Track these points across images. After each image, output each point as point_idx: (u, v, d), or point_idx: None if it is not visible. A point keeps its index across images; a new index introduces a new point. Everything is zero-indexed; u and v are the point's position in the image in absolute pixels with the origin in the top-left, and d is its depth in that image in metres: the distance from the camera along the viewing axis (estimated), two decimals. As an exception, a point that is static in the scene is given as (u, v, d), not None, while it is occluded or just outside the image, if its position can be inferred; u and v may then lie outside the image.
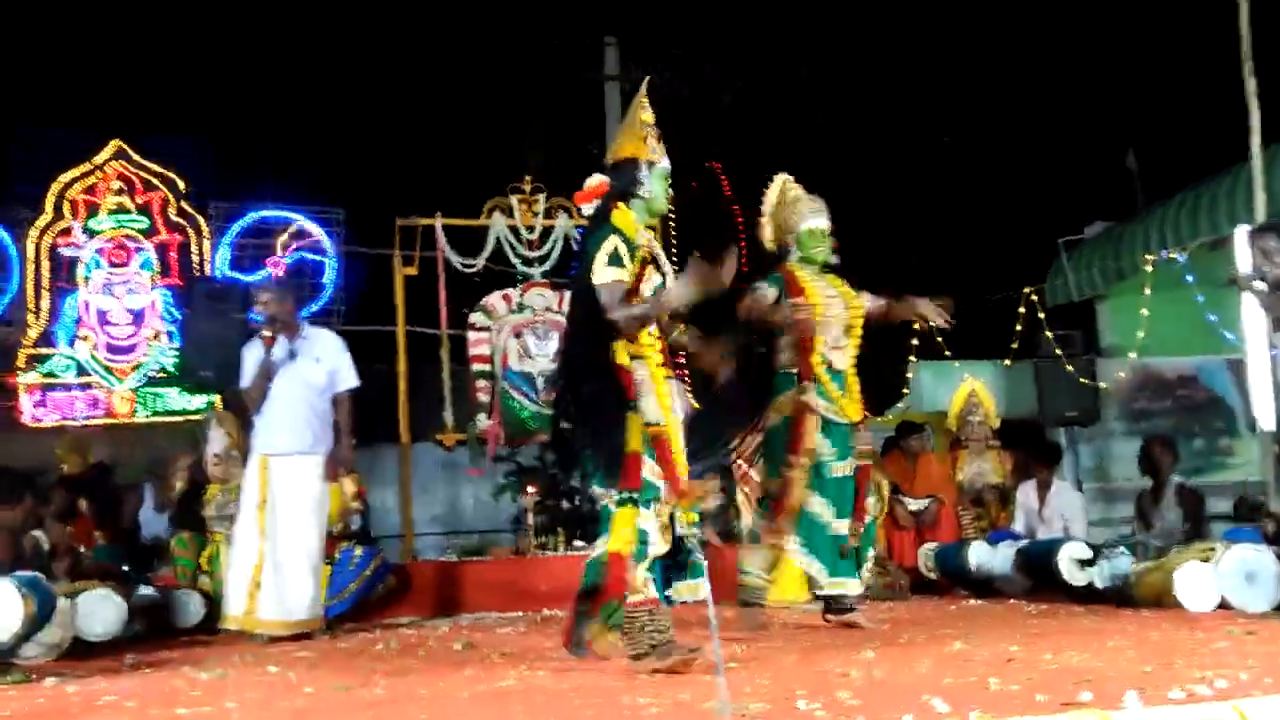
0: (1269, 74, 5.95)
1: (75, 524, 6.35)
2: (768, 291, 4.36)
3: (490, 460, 7.14)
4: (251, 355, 5.02)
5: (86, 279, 10.23)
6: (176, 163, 10.75)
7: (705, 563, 3.62)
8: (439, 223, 7.10)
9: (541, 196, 7.26)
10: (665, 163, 3.42)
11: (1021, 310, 8.03)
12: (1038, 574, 5.24)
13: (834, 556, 4.32)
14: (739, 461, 4.32)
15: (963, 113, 14.85)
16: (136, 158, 10.58)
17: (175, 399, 10.23)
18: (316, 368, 5.08)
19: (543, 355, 6.98)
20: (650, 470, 3.14)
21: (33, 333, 9.97)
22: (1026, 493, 6.42)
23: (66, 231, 10.33)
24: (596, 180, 3.48)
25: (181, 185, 10.64)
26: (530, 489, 7.16)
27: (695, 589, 5.44)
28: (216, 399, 9.68)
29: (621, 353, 3.19)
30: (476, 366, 6.91)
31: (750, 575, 4.32)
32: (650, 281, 3.29)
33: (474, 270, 7.29)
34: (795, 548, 4.29)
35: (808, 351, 4.32)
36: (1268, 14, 6.02)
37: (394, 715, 2.65)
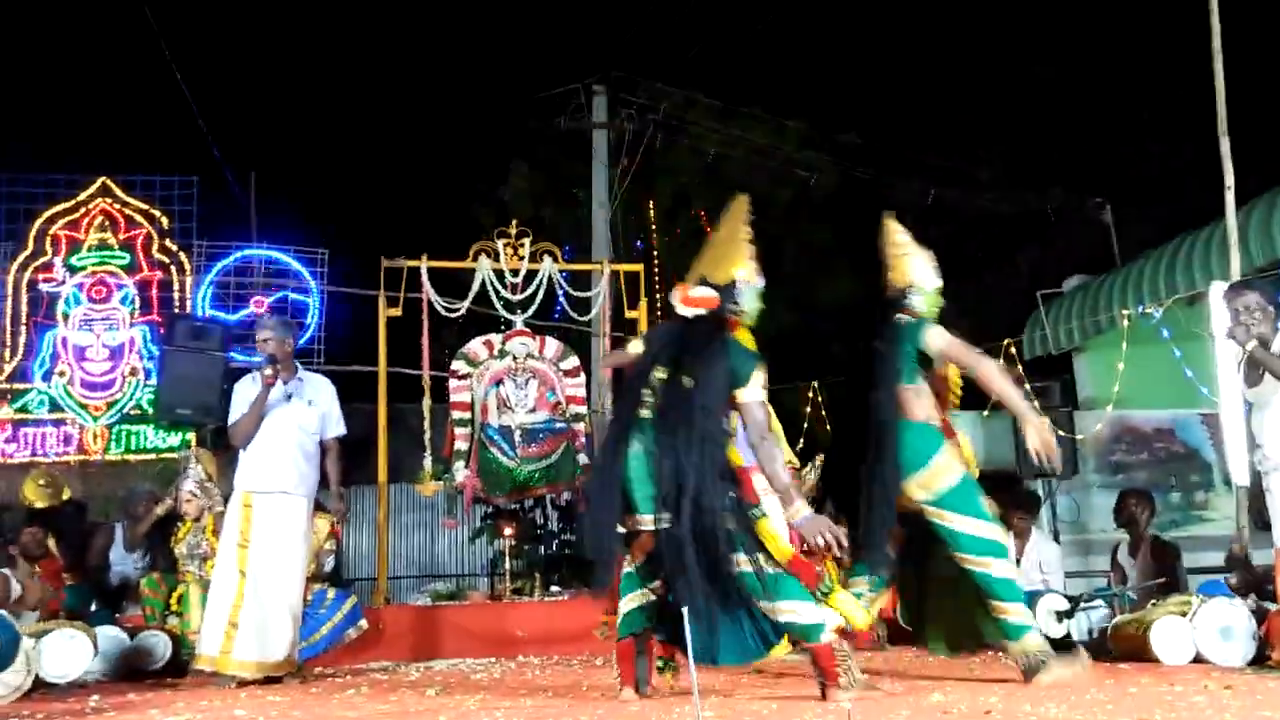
0: (1242, 135, 6.09)
1: (44, 562, 6.25)
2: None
3: (467, 510, 7.12)
4: (243, 391, 4.97)
5: (66, 315, 10.17)
6: (161, 200, 10.76)
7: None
8: (424, 265, 7.12)
9: (527, 241, 7.30)
10: (761, 282, 3.65)
11: (1000, 362, 8.08)
12: (1016, 626, 5.22)
13: None
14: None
15: (944, 166, 15.08)
16: (121, 194, 10.59)
17: (150, 437, 10.14)
18: (310, 411, 5.06)
19: (522, 406, 6.97)
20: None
21: (7, 367, 9.89)
22: (1004, 543, 6.42)
23: (48, 267, 10.29)
24: (705, 293, 3.56)
25: (165, 223, 10.64)
26: (507, 531, 7.11)
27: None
28: (192, 437, 9.62)
29: (738, 455, 3.52)
30: (456, 414, 6.89)
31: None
32: None
33: (458, 313, 7.29)
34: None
35: (945, 405, 4.17)
36: (1242, 77, 6.17)
37: (363, 762, 2.60)
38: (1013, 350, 8.15)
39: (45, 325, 10.14)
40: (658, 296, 10.53)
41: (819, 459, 6.76)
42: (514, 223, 7.54)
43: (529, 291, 7.21)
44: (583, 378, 7.27)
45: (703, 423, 3.38)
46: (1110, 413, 8.72)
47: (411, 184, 16.25)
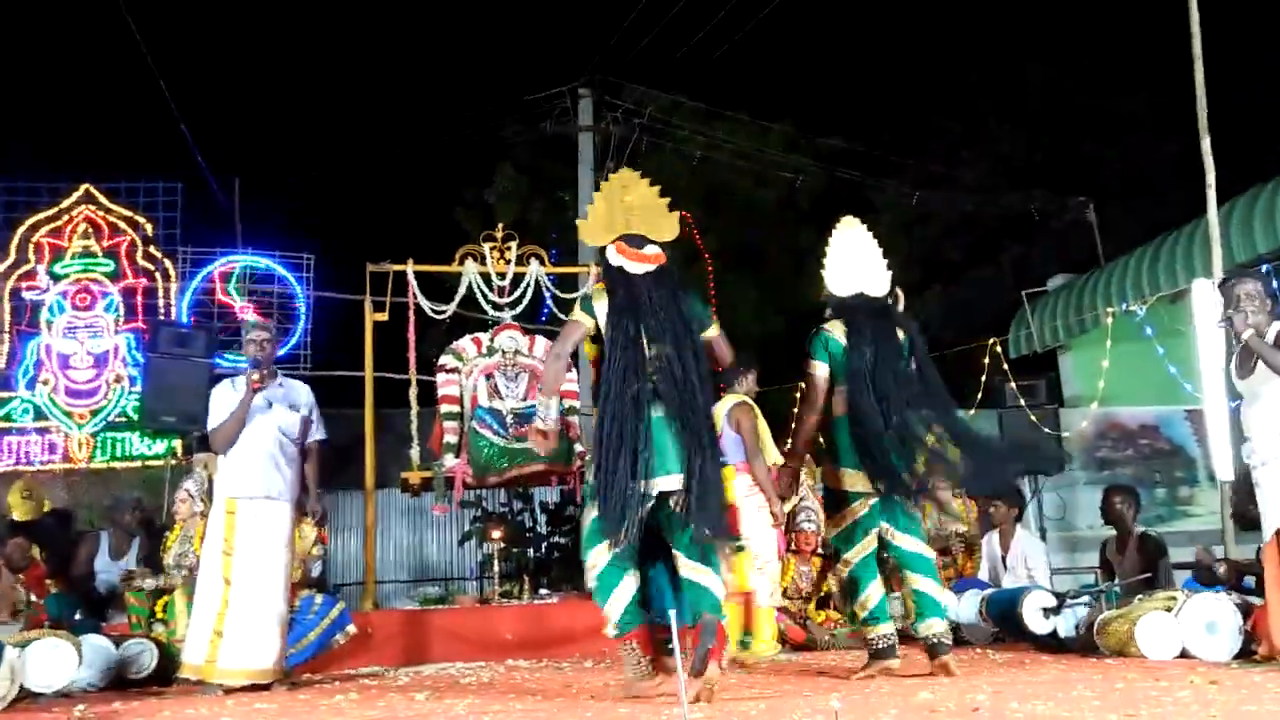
0: (1223, 133, 6.14)
1: (29, 571, 6.21)
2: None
3: (457, 502, 7.05)
4: (222, 397, 4.94)
5: (49, 323, 10.11)
6: (145, 207, 10.72)
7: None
8: (411, 268, 7.10)
9: (514, 244, 7.29)
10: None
11: (986, 360, 8.14)
12: (1003, 622, 5.25)
13: None
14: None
15: (928, 168, 15.13)
16: (105, 201, 10.54)
17: (135, 444, 10.09)
18: (291, 415, 5.04)
19: (512, 396, 6.92)
20: None
21: (-10, 376, 9.84)
22: (991, 541, 6.45)
23: (31, 275, 10.23)
24: (655, 251, 3.86)
25: (149, 229, 10.59)
26: (496, 534, 7.09)
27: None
28: (178, 444, 9.58)
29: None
30: (445, 408, 6.84)
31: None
32: None
33: (444, 316, 7.27)
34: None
35: None
36: (1222, 76, 6.22)
37: (351, 767, 2.59)
38: (998, 349, 8.19)
39: (29, 333, 10.08)
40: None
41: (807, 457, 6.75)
42: (500, 226, 7.53)
43: (516, 294, 7.20)
44: (574, 373, 7.25)
45: (705, 393, 3.64)
46: (1095, 410, 8.78)
47: (397, 188, 16.24)
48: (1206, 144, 6.01)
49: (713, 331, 3.86)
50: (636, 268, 3.76)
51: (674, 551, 3.64)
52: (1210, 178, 6.01)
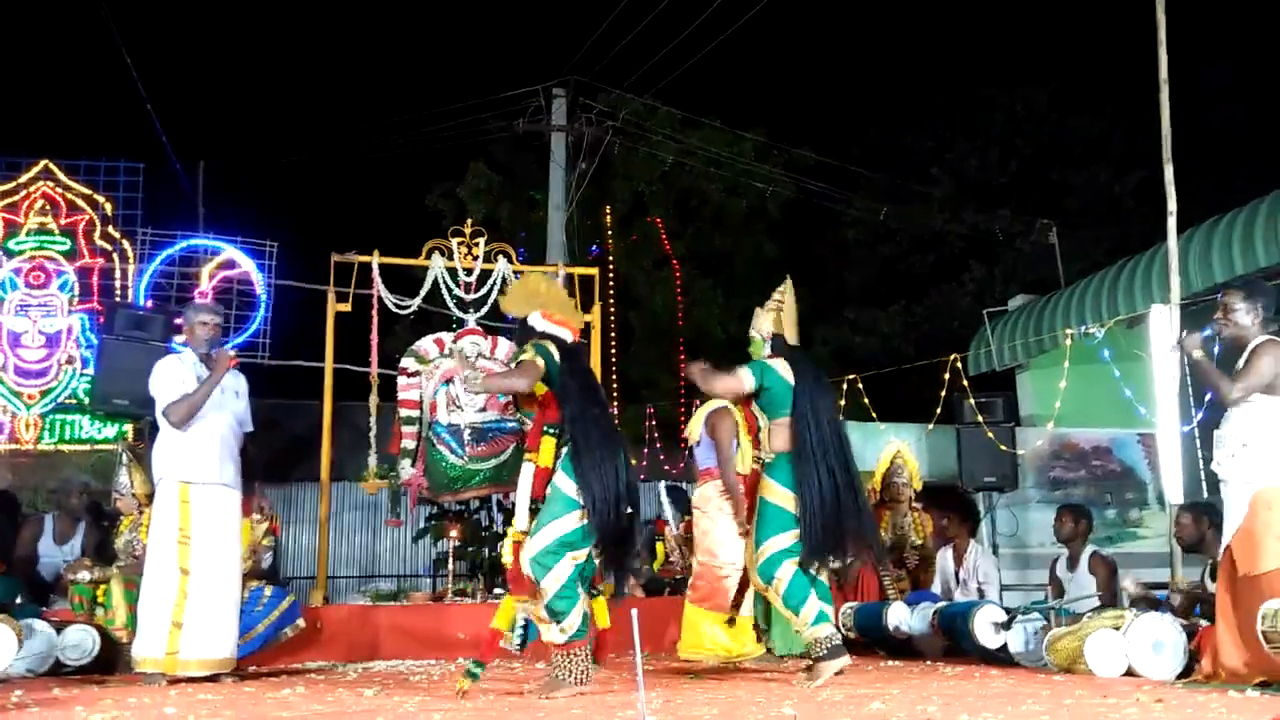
0: (1186, 164, 6.25)
1: (-33, 553, 6.06)
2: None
3: (412, 509, 7.01)
4: (173, 371, 4.77)
5: (1, 300, 9.88)
6: (105, 186, 10.51)
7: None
8: (376, 260, 7.02)
9: (482, 240, 7.24)
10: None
11: (946, 377, 8.22)
12: (954, 635, 5.29)
13: None
14: None
15: (899, 183, 15.28)
16: (64, 178, 10.32)
17: (85, 427, 9.88)
18: (241, 403, 4.96)
19: (471, 405, 6.85)
20: None
21: (-63, 353, 9.59)
22: (945, 555, 6.52)
23: (-17, 250, 9.99)
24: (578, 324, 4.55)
25: (109, 209, 10.39)
26: (452, 533, 7.03)
27: None
28: (129, 428, 9.39)
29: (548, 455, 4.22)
30: (404, 411, 6.78)
31: None
32: None
33: (408, 310, 7.20)
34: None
35: None
36: (1187, 106, 6.33)
37: (297, 761, 2.55)
38: (958, 365, 8.28)
39: (-22, 310, 9.84)
40: (612, 301, 10.53)
41: None
42: (469, 222, 7.48)
43: (482, 292, 7.15)
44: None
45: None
46: (1051, 430, 8.90)
47: (366, 180, 16.09)
48: (1169, 173, 6.11)
49: None
50: (568, 335, 4.38)
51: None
52: (1172, 205, 6.11)
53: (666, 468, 10.52)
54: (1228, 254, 8.34)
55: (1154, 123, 6.24)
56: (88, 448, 9.72)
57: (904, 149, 16.62)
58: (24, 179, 10.22)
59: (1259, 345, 4.09)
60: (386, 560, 11.75)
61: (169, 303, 10.03)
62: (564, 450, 4.10)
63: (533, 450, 4.13)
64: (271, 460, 8.06)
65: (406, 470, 6.68)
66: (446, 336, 7.04)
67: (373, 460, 6.78)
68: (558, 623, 3.95)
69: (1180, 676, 4.26)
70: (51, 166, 10.32)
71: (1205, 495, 5.71)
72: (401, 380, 6.90)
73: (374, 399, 6.92)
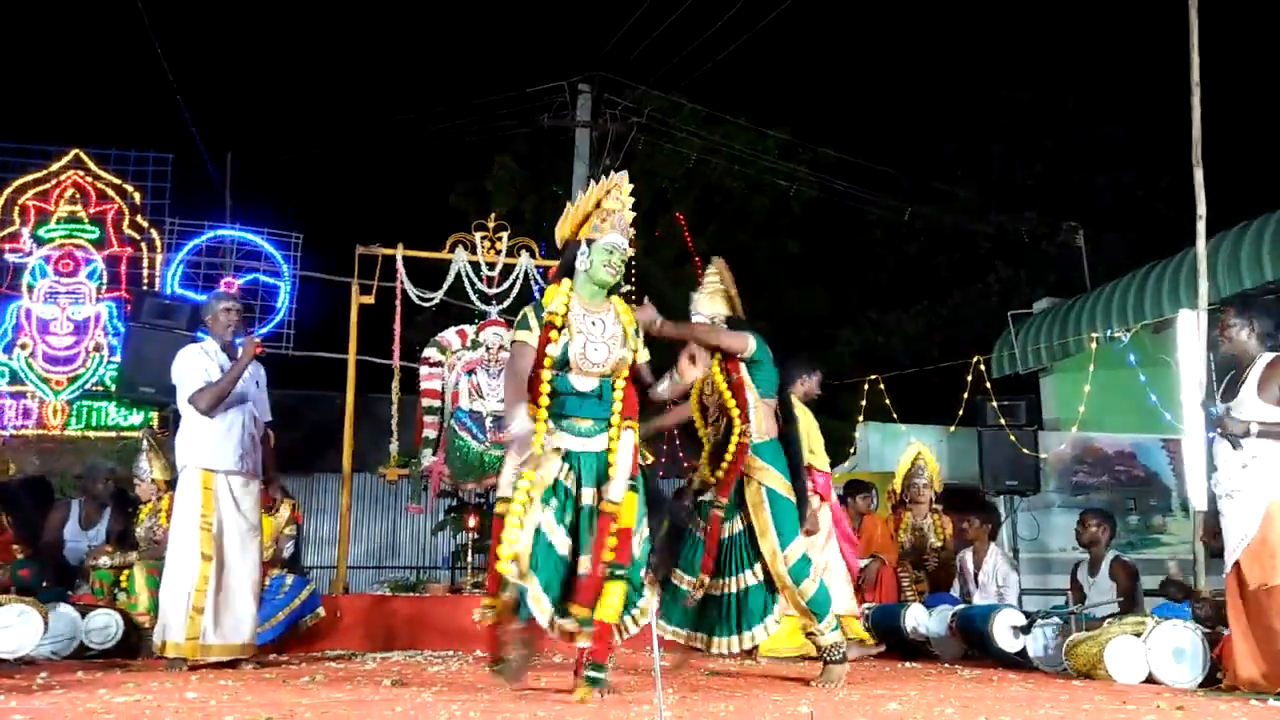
0: (1216, 167, 6.17)
1: (-2, 537, 6.14)
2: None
3: (433, 498, 7.02)
4: (195, 360, 4.81)
5: (31, 287, 10.01)
6: (134, 176, 10.62)
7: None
8: (400, 253, 7.06)
9: (505, 234, 7.26)
10: (608, 238, 3.75)
11: (969, 379, 8.18)
12: (972, 639, 5.27)
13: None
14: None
15: (924, 183, 15.19)
16: (94, 168, 10.44)
17: (111, 414, 10.00)
18: (259, 393, 5.01)
19: (493, 395, 6.86)
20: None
21: (-34, 338, 9.73)
22: (964, 558, 6.49)
23: (14, 237, 10.13)
24: (555, 263, 3.87)
25: (137, 198, 10.50)
26: (471, 524, 7.06)
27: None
28: (154, 416, 9.49)
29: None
30: (426, 401, 6.81)
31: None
32: (556, 344, 3.59)
33: (431, 303, 7.24)
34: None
35: None
36: (1218, 110, 6.26)
37: (316, 748, 2.57)
38: (982, 367, 8.23)
39: (9, 296, 9.98)
40: (633, 297, 10.53)
41: None
42: (492, 216, 7.51)
43: (505, 285, 7.18)
44: None
45: None
46: (1074, 434, 8.83)
47: (392, 173, 16.17)
48: (1199, 176, 6.04)
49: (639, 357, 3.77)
50: None
51: None
52: (1201, 209, 6.04)
53: (686, 465, 10.52)
54: (1257, 259, 8.25)
55: (1184, 125, 6.17)
56: (114, 434, 9.85)
57: (929, 149, 16.52)
58: (55, 168, 10.35)
59: (1276, 361, 4.07)
60: (406, 551, 11.83)
61: (196, 292, 10.14)
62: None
63: (633, 419, 3.72)
64: (293, 451, 8.13)
65: (428, 458, 6.71)
66: (469, 328, 7.08)
67: (394, 448, 6.82)
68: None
69: (1203, 685, 4.23)
70: (82, 156, 10.45)
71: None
72: (424, 370, 6.94)
73: (396, 391, 6.96)
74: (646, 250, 14.03)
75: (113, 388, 9.46)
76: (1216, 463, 4.20)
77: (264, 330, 10.33)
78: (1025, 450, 8.00)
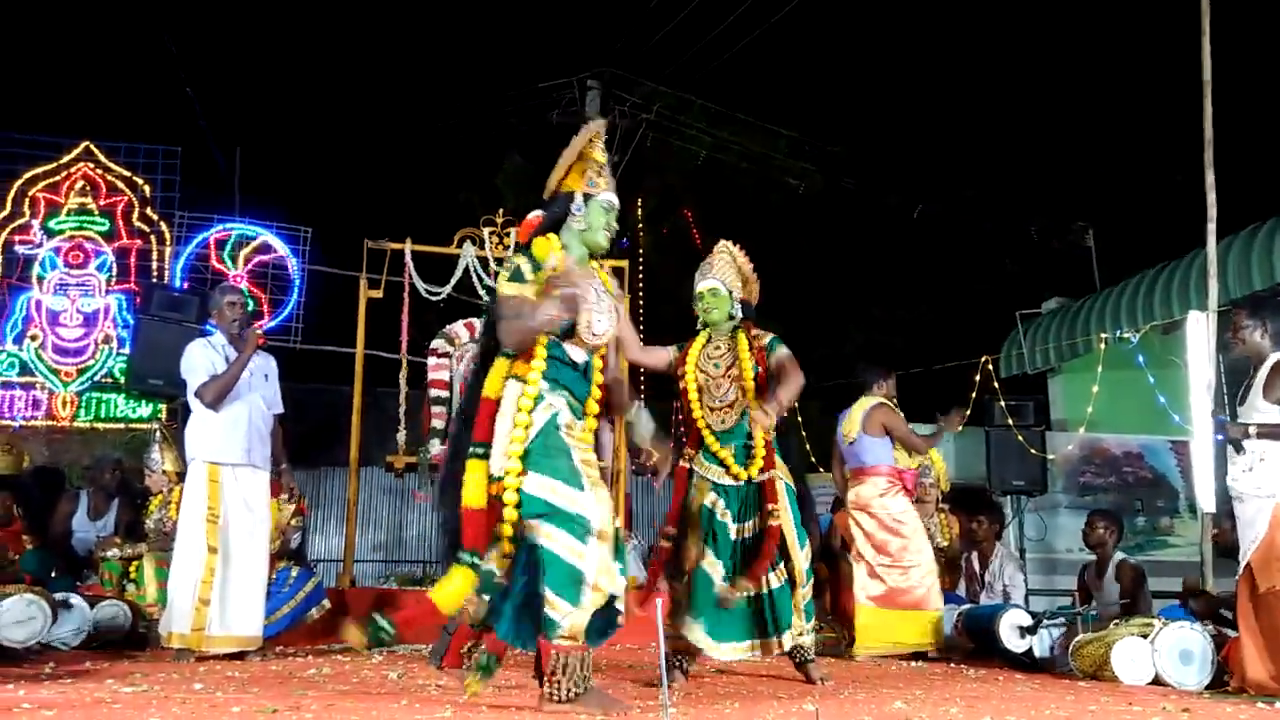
0: (1227, 168, 6.15)
1: (7, 528, 6.17)
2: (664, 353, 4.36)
3: None
4: (202, 354, 4.85)
5: (41, 278, 10.05)
6: (144, 168, 10.65)
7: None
8: (408, 248, 7.07)
9: (513, 230, 7.26)
10: (606, 196, 3.30)
11: (977, 378, 8.15)
12: (979, 638, 5.26)
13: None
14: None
15: (933, 181, 15.16)
16: (104, 160, 10.47)
17: (120, 405, 10.03)
18: (268, 385, 5.03)
19: (502, 388, 6.88)
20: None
21: (-23, 329, 9.77)
22: (970, 558, 6.48)
23: (25, 229, 10.16)
24: (534, 215, 3.35)
25: (147, 191, 10.53)
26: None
27: None
28: (163, 408, 9.53)
29: (494, 379, 3.13)
30: (434, 392, 6.82)
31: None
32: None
33: (439, 298, 7.25)
34: None
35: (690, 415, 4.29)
36: (1230, 110, 6.23)
37: (323, 740, 2.58)
38: (990, 367, 8.21)
39: (19, 288, 10.02)
40: (642, 293, 10.54)
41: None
42: (500, 211, 7.51)
43: (512, 280, 7.17)
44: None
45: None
46: (1082, 434, 8.81)
47: (401, 166, 16.18)
48: (1210, 177, 6.01)
49: (499, 292, 3.22)
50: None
51: None
52: (1212, 211, 6.01)
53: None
54: (1268, 261, 8.22)
55: (1196, 126, 6.15)
56: (122, 426, 9.88)
57: (938, 147, 16.48)
58: (65, 160, 10.39)
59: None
60: (412, 545, 11.85)
61: (204, 285, 10.17)
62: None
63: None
64: (300, 444, 8.15)
65: (436, 447, 6.71)
66: (477, 322, 7.08)
67: (402, 437, 6.82)
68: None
69: (1209, 687, 4.22)
70: (92, 148, 10.48)
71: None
72: (431, 361, 6.94)
73: (403, 385, 6.97)
74: (656, 248, 14.04)
75: (122, 380, 9.49)
76: (1231, 463, 4.19)
77: (272, 323, 10.36)
78: (1033, 450, 7.98)
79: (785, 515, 4.17)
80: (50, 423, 9.81)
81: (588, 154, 3.33)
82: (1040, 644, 4.87)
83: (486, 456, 3.08)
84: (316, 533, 11.01)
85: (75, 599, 5.01)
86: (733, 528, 4.16)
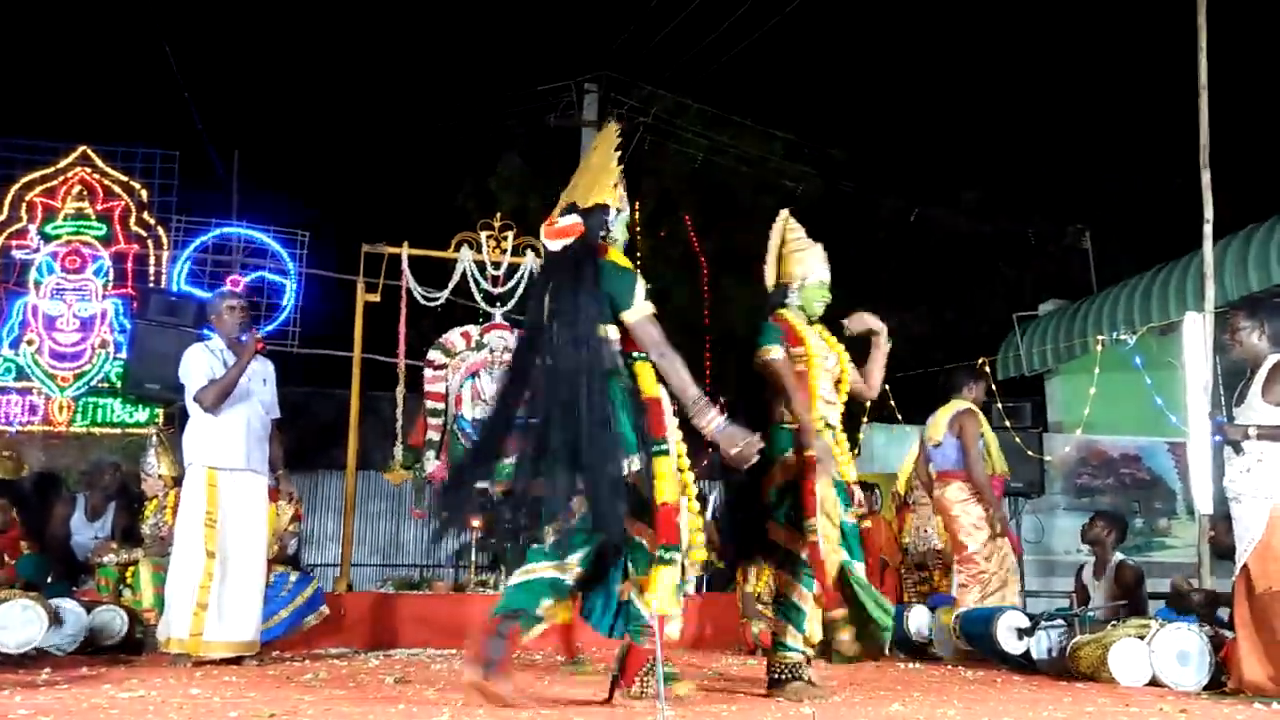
0: (1224, 169, 6.16)
1: (5, 533, 6.16)
2: (778, 350, 4.04)
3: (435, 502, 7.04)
4: (200, 358, 4.85)
5: (38, 283, 10.03)
6: (142, 173, 10.64)
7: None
8: (405, 252, 7.07)
9: (510, 234, 7.26)
10: (627, 211, 3.47)
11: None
12: (976, 641, 5.26)
13: None
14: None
15: (930, 184, 15.18)
16: (101, 164, 10.46)
17: (117, 411, 10.02)
18: (266, 390, 5.02)
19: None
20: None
21: (-26, 334, 9.75)
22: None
23: (22, 233, 10.15)
24: (572, 220, 3.36)
25: (144, 195, 10.52)
26: (474, 523, 7.06)
27: None
28: (160, 413, 9.52)
29: (647, 381, 3.27)
30: (430, 404, 6.83)
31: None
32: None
33: (437, 302, 7.25)
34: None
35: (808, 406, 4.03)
36: (1226, 112, 6.24)
37: (319, 744, 2.58)
38: (987, 369, 8.22)
39: (16, 292, 10.00)
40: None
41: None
42: (498, 215, 7.51)
43: (510, 285, 7.18)
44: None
45: (579, 383, 3.13)
46: (1079, 436, 8.82)
47: (398, 170, 16.18)
48: (1206, 179, 6.02)
49: (633, 315, 3.24)
50: (553, 245, 3.39)
51: None
52: (1208, 212, 6.02)
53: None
54: (1264, 262, 8.23)
55: (1192, 128, 6.16)
56: (119, 431, 9.87)
57: (935, 150, 16.50)
58: (62, 164, 10.37)
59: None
60: (409, 550, 11.84)
61: (202, 289, 10.16)
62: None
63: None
64: (298, 447, 8.14)
65: (431, 462, 6.72)
66: (473, 330, 7.09)
67: (399, 451, 6.83)
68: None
69: (1207, 688, 4.22)
70: (89, 153, 10.47)
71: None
72: (428, 373, 6.95)
73: (400, 390, 6.97)
74: (653, 251, 14.05)
75: (118, 384, 9.47)
76: (1228, 464, 4.19)
77: (270, 328, 10.35)
78: (1030, 452, 7.99)
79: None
80: (47, 428, 9.80)
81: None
82: (1038, 646, 4.86)
83: (668, 453, 3.21)
84: (314, 536, 10.99)
85: (71, 604, 5.00)
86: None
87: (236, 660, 4.68)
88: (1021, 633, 4.93)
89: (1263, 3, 12.30)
